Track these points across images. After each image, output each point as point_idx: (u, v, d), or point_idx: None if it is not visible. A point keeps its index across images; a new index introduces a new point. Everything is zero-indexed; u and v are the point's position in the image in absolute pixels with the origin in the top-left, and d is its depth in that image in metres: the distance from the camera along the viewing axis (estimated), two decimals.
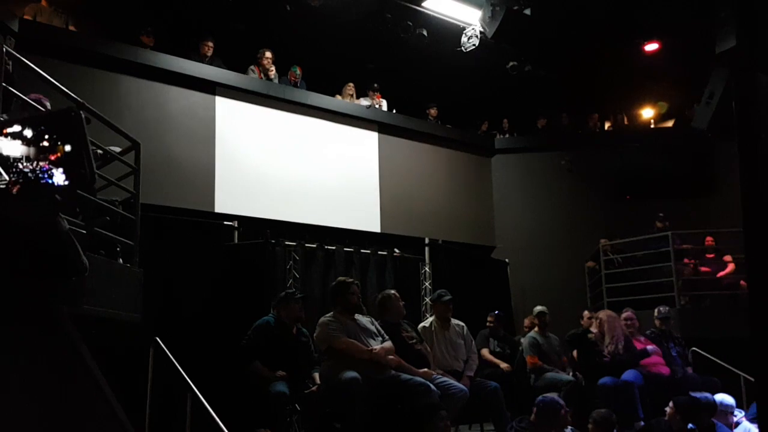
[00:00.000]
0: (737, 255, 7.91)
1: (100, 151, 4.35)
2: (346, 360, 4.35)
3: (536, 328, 6.63)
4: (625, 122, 11.75)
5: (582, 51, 8.88)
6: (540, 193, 10.38)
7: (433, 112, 10.15)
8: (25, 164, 1.55)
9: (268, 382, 4.64)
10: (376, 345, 4.52)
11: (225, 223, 7.31)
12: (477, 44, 8.20)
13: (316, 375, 4.91)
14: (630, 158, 10.04)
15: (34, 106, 3.73)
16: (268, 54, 8.29)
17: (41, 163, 1.56)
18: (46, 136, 1.59)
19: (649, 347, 6.12)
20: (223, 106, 7.79)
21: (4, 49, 3.44)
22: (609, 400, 5.41)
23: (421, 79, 9.71)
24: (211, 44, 7.87)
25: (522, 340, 6.75)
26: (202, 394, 3.86)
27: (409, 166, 9.40)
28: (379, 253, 8.30)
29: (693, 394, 4.81)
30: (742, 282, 7.70)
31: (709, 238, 8.59)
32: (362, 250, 8.15)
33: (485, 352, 6.56)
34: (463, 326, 5.62)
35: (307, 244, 7.62)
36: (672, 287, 7.97)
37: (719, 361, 6.71)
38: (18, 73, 3.87)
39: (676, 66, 9.43)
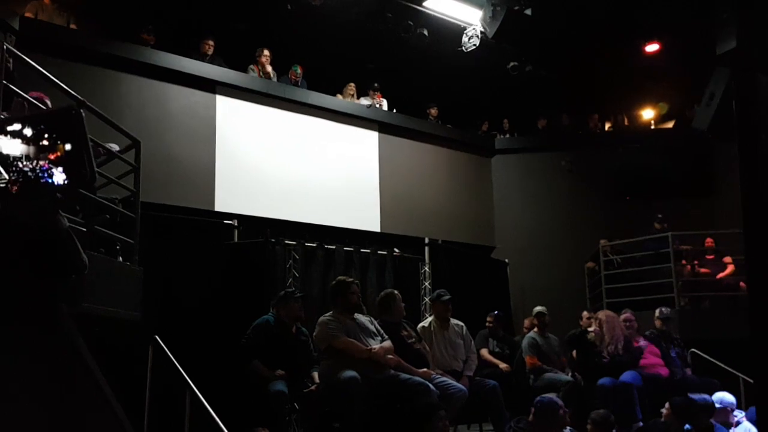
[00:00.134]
0: (737, 256, 7.90)
1: (101, 149, 4.36)
2: (346, 359, 4.35)
3: (535, 329, 6.63)
4: (626, 123, 11.74)
5: (582, 51, 8.88)
6: (540, 193, 10.38)
7: (433, 112, 10.15)
8: (25, 163, 1.55)
9: (267, 381, 4.64)
10: (375, 344, 4.52)
11: (225, 221, 7.31)
12: (478, 44, 8.20)
13: (316, 374, 4.90)
14: (630, 159, 10.04)
15: (35, 104, 3.73)
16: (266, 52, 8.30)
17: (41, 162, 1.55)
18: (47, 135, 1.58)
19: (642, 342, 6.14)
20: (224, 104, 7.79)
21: (5, 47, 3.43)
22: (608, 400, 5.41)
23: (421, 79, 9.71)
24: (211, 43, 7.87)
25: (521, 340, 6.75)
26: (201, 393, 3.85)
27: (410, 165, 9.40)
28: (379, 252, 8.31)
29: (691, 395, 4.81)
30: (741, 283, 7.70)
31: (709, 240, 8.59)
32: (362, 250, 8.16)
33: (484, 352, 6.56)
34: (462, 326, 5.62)
35: (307, 244, 7.63)
36: (671, 288, 7.97)
37: (718, 363, 6.71)
38: (18, 71, 3.87)
39: (677, 67, 9.43)
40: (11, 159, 1.55)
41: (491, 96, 10.32)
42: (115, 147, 4.74)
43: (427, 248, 8.76)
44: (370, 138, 9.09)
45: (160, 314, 5.35)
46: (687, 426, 4.63)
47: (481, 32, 8.03)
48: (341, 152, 8.69)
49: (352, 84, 9.19)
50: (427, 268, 8.64)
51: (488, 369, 6.28)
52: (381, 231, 8.82)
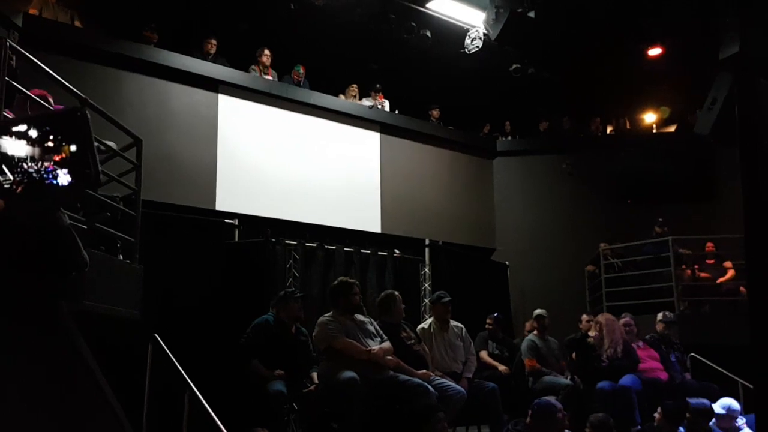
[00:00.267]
0: (738, 261, 7.90)
1: (103, 147, 4.36)
2: (345, 360, 4.35)
3: (535, 331, 6.62)
4: (627, 126, 11.73)
5: (585, 54, 8.88)
6: (541, 195, 10.38)
7: (435, 113, 10.15)
8: (29, 164, 1.55)
9: (266, 381, 4.64)
10: (374, 345, 4.52)
11: (226, 221, 7.32)
12: (480, 46, 8.20)
13: (315, 374, 4.90)
14: (631, 162, 10.03)
15: (37, 101, 3.74)
16: (267, 52, 8.30)
17: (46, 164, 1.55)
18: (52, 136, 1.58)
19: (640, 343, 6.14)
20: (226, 104, 7.79)
21: (8, 44, 3.44)
22: (607, 404, 5.40)
23: (423, 81, 9.72)
24: (214, 42, 7.88)
25: (521, 342, 6.75)
26: (200, 392, 3.85)
27: (411, 167, 9.40)
28: (379, 253, 8.31)
29: (690, 400, 4.80)
30: (741, 288, 7.69)
31: (709, 244, 8.58)
32: (362, 251, 8.16)
33: (484, 354, 6.55)
34: (461, 328, 5.63)
35: (307, 244, 7.63)
36: (671, 292, 7.96)
37: (718, 368, 6.70)
38: (21, 69, 3.87)
39: (679, 71, 9.43)
40: (16, 160, 1.55)
41: (493, 98, 10.32)
42: (112, 146, 4.73)
43: (427, 249, 8.76)
44: (372, 139, 9.10)
45: (160, 313, 5.35)
46: (681, 429, 4.63)
47: (484, 34, 8.04)
48: (342, 153, 8.70)
49: (355, 85, 9.20)
50: (427, 270, 8.63)
51: (487, 371, 6.27)
52: (381, 232, 8.82)
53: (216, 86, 7.73)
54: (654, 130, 11.87)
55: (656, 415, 4.79)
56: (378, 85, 9.49)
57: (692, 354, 6.85)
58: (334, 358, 4.43)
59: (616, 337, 5.95)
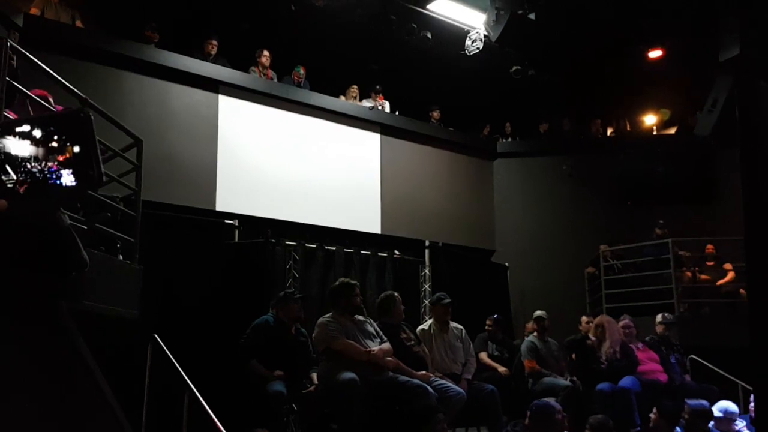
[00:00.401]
0: (738, 263, 7.90)
1: (102, 147, 4.35)
2: (345, 361, 4.35)
3: (535, 333, 6.62)
4: (628, 128, 11.72)
5: (586, 56, 8.87)
6: (541, 197, 10.37)
7: (435, 114, 10.15)
8: (33, 164, 1.56)
9: (265, 382, 4.64)
10: (374, 346, 4.52)
11: (226, 221, 7.32)
12: (481, 48, 8.20)
13: (314, 375, 4.90)
14: (632, 164, 10.03)
15: (38, 101, 3.73)
16: (266, 53, 8.31)
17: (50, 164, 1.56)
18: (56, 137, 1.59)
19: (640, 345, 6.14)
20: (226, 104, 7.79)
21: (9, 44, 3.44)
22: (606, 406, 5.40)
23: (424, 82, 9.72)
24: (215, 43, 7.88)
25: (521, 344, 6.74)
26: (199, 393, 3.85)
27: (411, 168, 9.40)
28: (379, 254, 8.30)
29: (688, 401, 4.80)
30: (741, 290, 7.69)
31: (709, 246, 8.59)
32: (362, 251, 8.15)
33: (483, 355, 6.55)
34: (461, 329, 5.63)
35: (307, 244, 7.62)
36: (671, 294, 7.96)
37: (717, 369, 6.70)
38: (22, 69, 3.87)
39: (680, 72, 9.43)
40: (20, 160, 1.55)
41: (493, 99, 10.32)
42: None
43: (427, 251, 8.75)
44: (372, 140, 9.10)
45: (159, 313, 5.35)
46: (678, 430, 4.63)
47: (485, 36, 8.03)
48: (343, 153, 8.70)
49: (355, 86, 9.20)
50: (427, 271, 8.63)
51: (487, 372, 6.27)
52: (381, 233, 8.82)
53: (216, 87, 7.74)
54: (654, 132, 11.86)
55: (652, 415, 4.79)
56: (378, 86, 9.49)
57: (692, 356, 6.85)
58: (334, 359, 4.43)
59: (615, 338, 5.95)
